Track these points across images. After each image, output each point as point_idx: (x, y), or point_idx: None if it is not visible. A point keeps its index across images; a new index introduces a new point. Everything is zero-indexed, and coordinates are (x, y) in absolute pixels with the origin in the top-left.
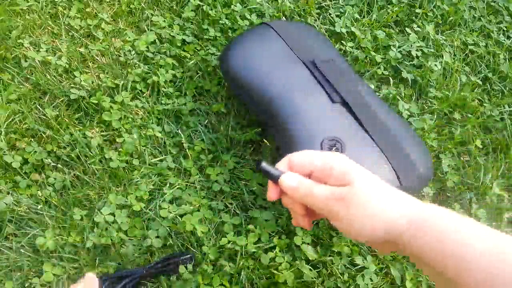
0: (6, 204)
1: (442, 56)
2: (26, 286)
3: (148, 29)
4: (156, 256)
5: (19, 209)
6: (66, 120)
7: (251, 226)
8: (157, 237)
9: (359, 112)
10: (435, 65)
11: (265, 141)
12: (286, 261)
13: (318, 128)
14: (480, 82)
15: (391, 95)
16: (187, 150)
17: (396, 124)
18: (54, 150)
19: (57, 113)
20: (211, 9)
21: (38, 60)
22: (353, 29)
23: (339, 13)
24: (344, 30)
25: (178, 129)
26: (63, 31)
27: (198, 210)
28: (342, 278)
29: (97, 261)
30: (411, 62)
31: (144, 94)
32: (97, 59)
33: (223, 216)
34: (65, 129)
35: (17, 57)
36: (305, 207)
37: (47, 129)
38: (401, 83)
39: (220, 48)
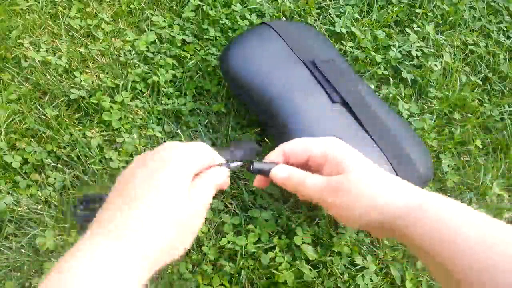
0: (6, 204)
1: (442, 56)
2: (26, 286)
3: (148, 29)
4: None
5: (19, 209)
6: (66, 120)
7: (251, 226)
8: None
9: (359, 112)
10: (435, 65)
11: (266, 140)
12: (286, 261)
13: (318, 128)
14: (480, 82)
15: (391, 95)
16: None
17: (396, 124)
18: (54, 150)
19: (57, 113)
20: (211, 9)
21: (38, 60)
22: (353, 29)
23: (339, 13)
24: (344, 30)
25: (178, 129)
26: (63, 31)
27: None
28: (342, 278)
29: None
30: (411, 62)
31: (144, 94)
32: (97, 59)
33: (223, 216)
34: (65, 129)
35: (17, 57)
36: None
37: (47, 129)
38: (401, 83)
39: (220, 48)
